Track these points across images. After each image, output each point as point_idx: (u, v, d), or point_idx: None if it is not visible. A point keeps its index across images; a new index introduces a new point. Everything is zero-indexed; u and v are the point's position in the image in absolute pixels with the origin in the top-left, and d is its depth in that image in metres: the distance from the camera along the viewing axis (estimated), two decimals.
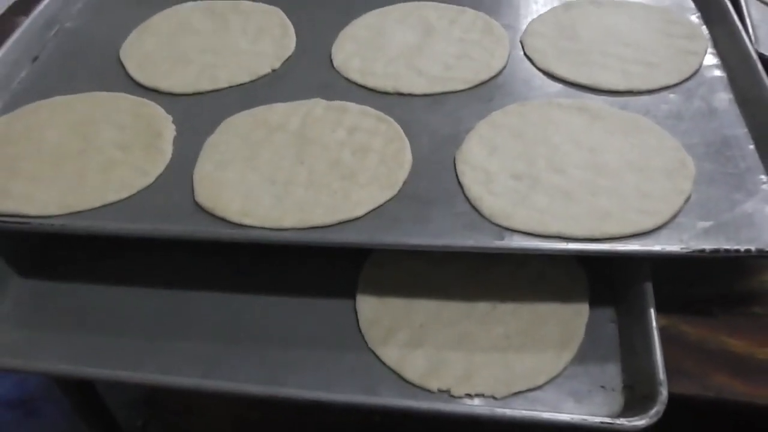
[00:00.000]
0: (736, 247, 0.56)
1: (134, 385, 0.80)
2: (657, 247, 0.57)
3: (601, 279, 0.63)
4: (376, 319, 0.62)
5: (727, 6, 0.80)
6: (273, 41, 0.84)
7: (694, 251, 0.57)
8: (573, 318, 0.60)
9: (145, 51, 0.84)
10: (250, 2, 0.91)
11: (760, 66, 0.71)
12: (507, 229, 0.60)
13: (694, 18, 0.83)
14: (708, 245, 0.57)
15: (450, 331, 0.60)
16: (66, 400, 1.37)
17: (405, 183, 0.65)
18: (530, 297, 0.62)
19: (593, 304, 0.61)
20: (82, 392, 1.02)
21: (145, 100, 0.77)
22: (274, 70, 0.81)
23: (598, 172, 0.65)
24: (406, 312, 0.62)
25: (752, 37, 0.78)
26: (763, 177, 0.63)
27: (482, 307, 0.62)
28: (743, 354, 0.59)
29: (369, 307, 0.62)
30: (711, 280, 0.64)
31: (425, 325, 0.61)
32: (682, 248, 0.57)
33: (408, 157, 0.68)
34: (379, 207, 0.63)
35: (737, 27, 0.76)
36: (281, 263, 0.67)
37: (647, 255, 0.58)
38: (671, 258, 0.58)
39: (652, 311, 0.56)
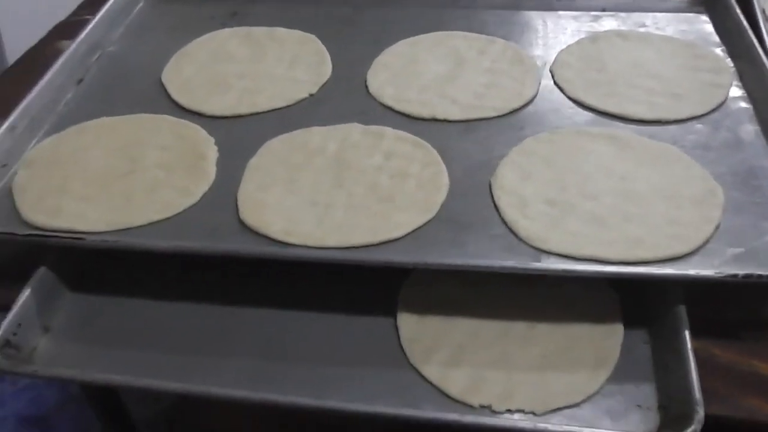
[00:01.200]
0: None
1: (170, 397, 0.81)
2: (692, 272, 0.59)
3: (633, 301, 0.65)
4: (417, 337, 0.63)
5: (752, 40, 0.82)
6: (309, 68, 0.87)
7: (727, 276, 0.59)
8: (608, 338, 0.62)
9: (185, 76, 0.87)
10: (286, 30, 0.94)
11: None
12: (543, 251, 0.62)
13: (719, 51, 0.86)
14: (740, 270, 0.59)
15: (488, 350, 0.62)
16: (82, 418, 1.39)
17: (442, 206, 0.67)
18: (565, 318, 0.64)
19: (626, 325, 0.63)
20: (108, 406, 1.04)
21: (188, 122, 0.79)
22: (311, 95, 0.83)
23: (628, 199, 0.67)
24: (445, 331, 0.64)
25: None
26: None
27: (519, 327, 0.64)
28: None
29: (409, 326, 0.64)
30: (740, 304, 0.65)
31: (464, 344, 0.63)
32: (716, 273, 0.59)
33: (445, 181, 0.70)
34: (417, 229, 0.65)
35: (762, 61, 0.79)
36: (323, 282, 0.69)
37: (682, 279, 0.60)
38: (704, 282, 0.60)
39: (687, 333, 0.58)
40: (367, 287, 0.68)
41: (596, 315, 0.64)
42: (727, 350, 0.62)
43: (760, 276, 0.58)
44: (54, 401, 1.46)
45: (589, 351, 0.62)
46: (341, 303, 0.67)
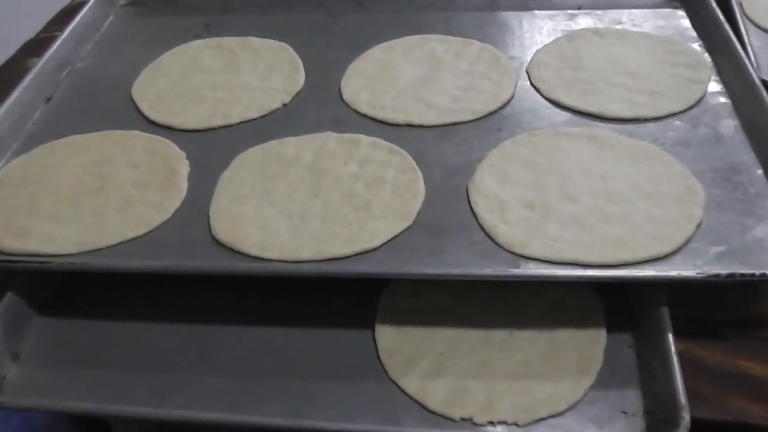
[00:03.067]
0: (751, 272, 0.57)
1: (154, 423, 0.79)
2: (673, 273, 0.58)
3: (617, 305, 0.64)
4: (396, 348, 0.62)
5: (729, 34, 0.81)
6: (283, 77, 0.86)
7: (709, 276, 0.57)
8: (591, 344, 0.61)
9: (157, 89, 0.85)
10: (259, 39, 0.93)
11: (764, 92, 0.73)
12: (522, 256, 0.61)
13: (697, 47, 0.85)
14: (722, 270, 0.58)
15: (470, 359, 0.61)
16: None
17: (419, 213, 0.66)
18: (547, 324, 0.63)
19: (610, 330, 0.62)
20: (93, 427, 1.02)
21: (159, 137, 0.78)
22: (284, 105, 0.82)
23: (609, 199, 0.66)
24: (425, 341, 0.62)
25: (754, 64, 0.80)
26: None
27: (500, 335, 0.63)
28: (760, 377, 0.59)
29: (388, 337, 0.63)
30: (724, 304, 0.64)
31: (445, 354, 0.61)
32: (697, 273, 0.58)
33: (421, 188, 0.69)
34: (395, 237, 0.64)
35: (740, 55, 0.78)
36: (299, 295, 0.68)
37: (664, 280, 0.59)
38: (687, 283, 0.59)
39: (670, 336, 0.57)
40: (345, 298, 0.67)
41: (579, 319, 0.63)
42: (713, 351, 0.61)
43: (742, 275, 0.57)
44: (45, 422, 1.44)
45: (572, 357, 0.60)
46: (320, 316, 0.66)
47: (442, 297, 0.66)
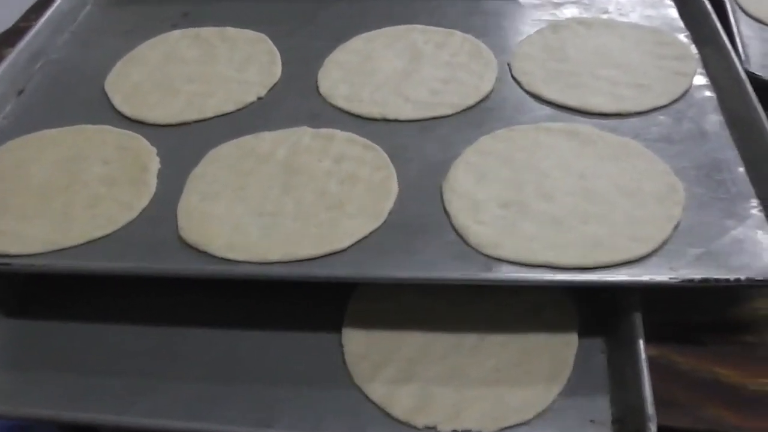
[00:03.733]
0: (725, 277, 0.55)
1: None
2: (646, 278, 0.56)
3: (591, 308, 0.62)
4: (363, 353, 0.60)
5: (716, 26, 0.79)
6: (260, 69, 0.84)
7: (683, 281, 0.56)
8: (562, 349, 0.59)
9: (132, 82, 0.83)
10: (236, 29, 0.91)
11: (749, 87, 0.70)
12: (495, 258, 0.59)
13: (684, 38, 0.82)
14: (698, 274, 0.56)
15: (439, 365, 0.59)
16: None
17: (391, 212, 0.64)
18: (519, 328, 0.61)
19: (582, 334, 0.60)
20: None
21: (131, 133, 0.76)
22: (260, 98, 0.80)
23: (587, 198, 0.64)
24: (393, 346, 0.61)
25: (742, 56, 0.77)
26: (753, 202, 0.62)
27: (471, 339, 0.61)
28: (735, 384, 0.57)
29: (355, 341, 0.61)
30: (701, 308, 0.62)
31: (413, 359, 0.60)
32: (671, 278, 0.56)
33: (394, 186, 0.67)
34: (365, 238, 0.62)
35: (727, 47, 0.75)
36: (269, 295, 0.66)
37: (636, 285, 0.57)
38: (660, 288, 0.57)
39: (642, 342, 0.55)
40: (315, 299, 0.65)
41: (552, 323, 0.61)
42: (688, 356, 0.60)
43: (717, 280, 0.55)
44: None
45: (543, 362, 0.59)
46: (290, 318, 0.65)
47: (413, 300, 0.64)
